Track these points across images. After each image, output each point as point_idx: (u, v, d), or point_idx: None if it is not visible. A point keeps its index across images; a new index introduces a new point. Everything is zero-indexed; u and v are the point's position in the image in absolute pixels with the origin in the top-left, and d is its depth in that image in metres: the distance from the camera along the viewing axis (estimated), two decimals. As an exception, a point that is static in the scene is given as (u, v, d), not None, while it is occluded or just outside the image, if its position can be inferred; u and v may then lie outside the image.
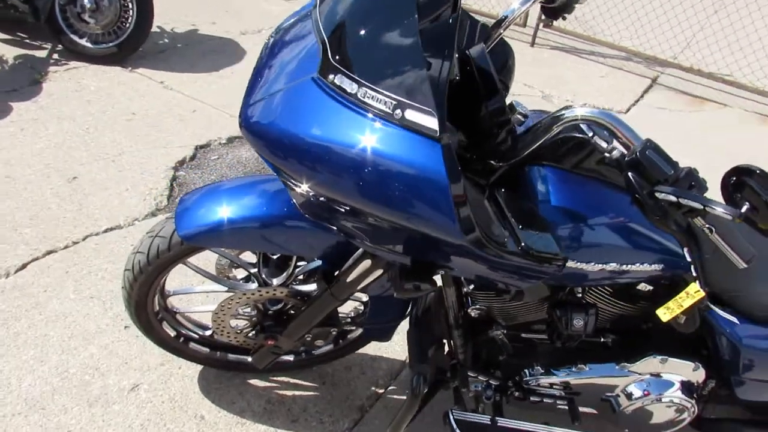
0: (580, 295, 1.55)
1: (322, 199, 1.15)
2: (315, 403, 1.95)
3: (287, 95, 1.12)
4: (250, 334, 1.76)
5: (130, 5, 3.67)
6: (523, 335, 1.69)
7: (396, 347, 2.14)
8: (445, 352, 1.75)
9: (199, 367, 2.00)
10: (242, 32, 4.47)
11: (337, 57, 1.07)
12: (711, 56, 4.58)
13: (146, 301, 1.67)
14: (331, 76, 1.06)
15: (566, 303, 1.53)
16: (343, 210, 1.14)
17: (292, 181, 1.13)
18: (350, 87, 1.04)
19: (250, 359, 1.93)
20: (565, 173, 1.32)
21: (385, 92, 1.01)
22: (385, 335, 1.87)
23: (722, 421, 1.82)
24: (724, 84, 4.53)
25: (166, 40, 4.16)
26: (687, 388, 1.63)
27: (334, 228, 1.24)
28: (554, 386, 1.70)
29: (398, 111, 0.99)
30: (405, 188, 1.00)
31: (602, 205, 1.33)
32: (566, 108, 1.18)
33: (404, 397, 1.99)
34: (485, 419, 1.67)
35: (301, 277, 1.70)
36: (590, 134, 1.22)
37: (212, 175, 2.94)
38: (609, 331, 1.65)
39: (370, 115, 1.02)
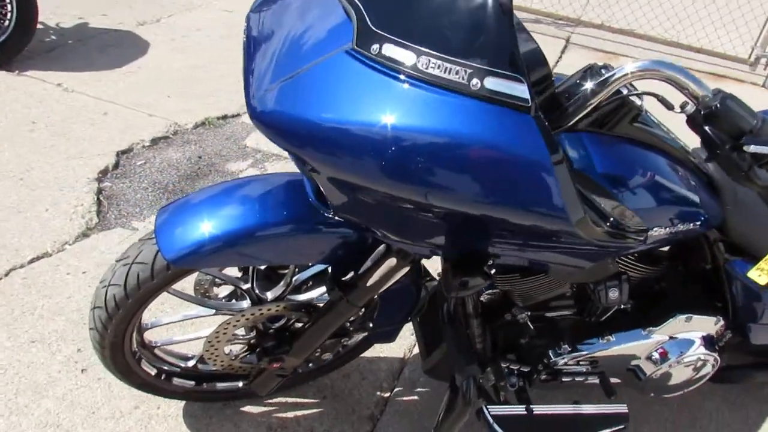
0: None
1: (365, 195, 0.97)
2: (321, 421, 1.76)
3: (314, 76, 0.91)
4: (247, 359, 1.53)
5: (8, 0, 3.19)
6: (547, 314, 1.59)
7: (390, 345, 1.98)
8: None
9: (181, 404, 1.74)
10: (139, 23, 4.06)
11: (381, 21, 0.87)
12: (620, 12, 4.70)
13: (124, 341, 1.40)
14: (374, 47, 0.87)
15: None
16: (397, 205, 0.96)
17: (337, 176, 0.94)
18: (405, 57, 0.85)
19: (241, 384, 1.71)
20: (603, 137, 1.21)
21: (454, 59, 0.83)
22: (390, 336, 1.71)
23: (734, 369, 1.82)
24: (633, 38, 4.67)
25: (54, 37, 3.69)
26: (709, 342, 1.60)
27: (361, 227, 1.06)
28: (580, 363, 1.62)
29: (476, 80, 0.82)
30: (498, 174, 0.83)
31: (644, 166, 1.24)
32: (605, 68, 1.06)
33: (414, 397, 1.85)
34: (521, 410, 1.56)
35: (297, 285, 1.50)
36: (625, 92, 1.11)
37: (143, 183, 2.62)
38: (632, 297, 1.58)
39: (438, 89, 0.84)
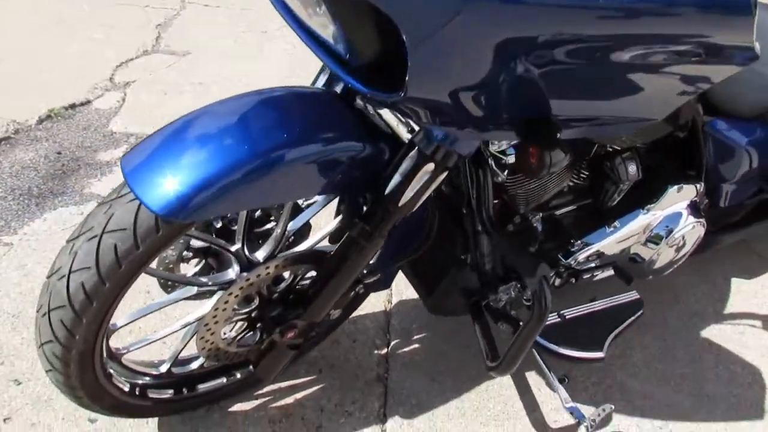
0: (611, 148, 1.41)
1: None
2: (328, 397, 1.51)
3: None
4: (247, 339, 1.24)
5: None
6: (557, 213, 1.49)
7: (368, 300, 1.76)
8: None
9: (152, 426, 1.39)
10: None
11: None
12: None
13: (95, 349, 1.04)
14: None
15: (613, 153, 1.38)
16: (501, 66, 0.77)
17: None
18: None
19: (225, 380, 1.41)
20: None
21: None
22: (386, 283, 1.51)
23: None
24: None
25: None
26: (695, 209, 1.62)
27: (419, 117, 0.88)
28: (590, 258, 1.55)
29: None
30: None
31: None
32: None
33: (415, 346, 1.66)
34: (554, 316, 1.45)
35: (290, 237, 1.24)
36: None
37: (-4, 192, 2.09)
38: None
39: None
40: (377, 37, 0.86)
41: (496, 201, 1.39)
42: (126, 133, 2.52)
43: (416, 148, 1.08)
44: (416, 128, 1.09)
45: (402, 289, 1.82)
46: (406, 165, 1.08)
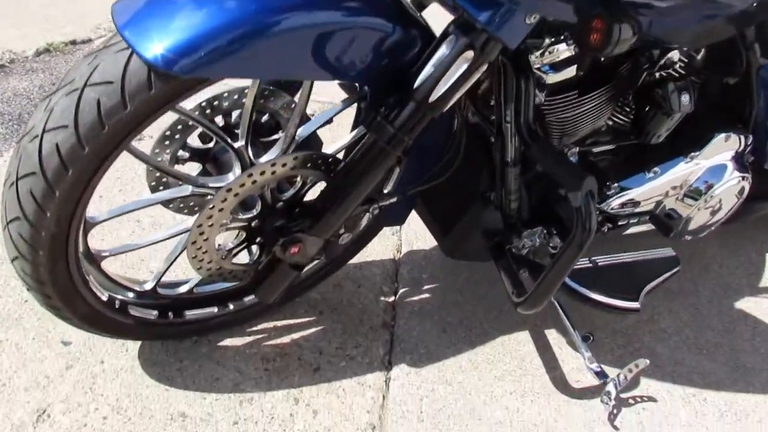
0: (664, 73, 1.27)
1: None
2: (328, 339, 1.37)
3: None
4: (247, 253, 1.10)
5: None
6: (594, 150, 1.35)
7: (375, 247, 1.62)
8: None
9: (133, 352, 1.24)
10: None
11: None
12: None
13: (69, 236, 0.90)
14: None
15: (665, 81, 1.24)
16: None
17: None
18: None
19: (216, 310, 1.26)
20: None
21: None
22: (401, 214, 1.37)
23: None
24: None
25: None
26: (740, 162, 1.48)
27: None
28: (625, 206, 1.41)
29: None
30: None
31: None
32: None
33: (425, 296, 1.52)
34: (585, 261, 1.31)
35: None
36: None
37: (-15, 116, 1.96)
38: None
39: None
40: None
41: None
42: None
43: (454, 34, 0.94)
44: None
45: (412, 239, 1.68)
46: (441, 53, 0.95)
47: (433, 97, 0.96)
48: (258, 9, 0.80)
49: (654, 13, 0.93)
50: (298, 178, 1.07)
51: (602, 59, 1.19)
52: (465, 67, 0.93)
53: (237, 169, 1.03)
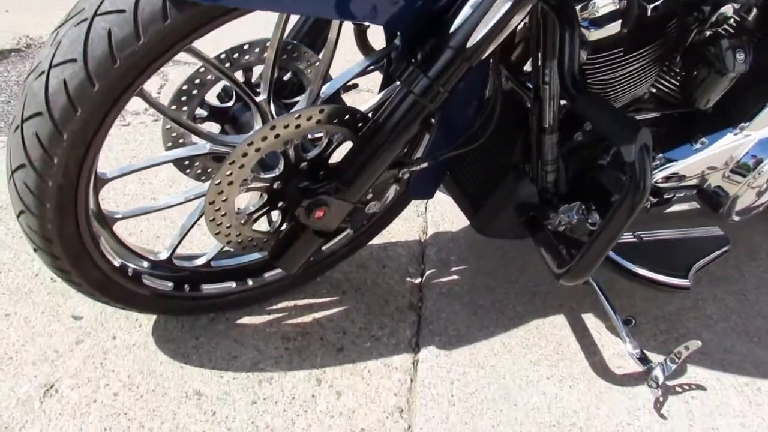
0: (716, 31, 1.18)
1: None
2: (352, 319, 1.29)
3: None
4: (270, 217, 1.03)
5: None
6: (637, 117, 1.26)
7: (399, 227, 1.54)
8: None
9: (147, 329, 1.17)
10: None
11: None
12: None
13: (78, 187, 0.83)
14: None
15: (719, 38, 1.15)
16: None
17: None
18: None
19: (234, 285, 1.19)
20: None
21: None
22: (430, 186, 1.29)
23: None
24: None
25: None
26: None
27: None
28: (669, 179, 1.32)
29: None
30: None
31: None
32: None
33: (454, 277, 1.44)
34: (629, 236, 1.22)
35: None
36: None
37: (0, 96, 1.92)
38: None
39: None
40: None
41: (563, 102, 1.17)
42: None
43: (494, -27, 0.86)
44: None
45: (438, 220, 1.60)
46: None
47: (470, 44, 0.88)
48: None
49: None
50: (324, 137, 0.99)
51: (649, 14, 1.10)
52: (506, 8, 0.86)
53: (258, 126, 0.96)
